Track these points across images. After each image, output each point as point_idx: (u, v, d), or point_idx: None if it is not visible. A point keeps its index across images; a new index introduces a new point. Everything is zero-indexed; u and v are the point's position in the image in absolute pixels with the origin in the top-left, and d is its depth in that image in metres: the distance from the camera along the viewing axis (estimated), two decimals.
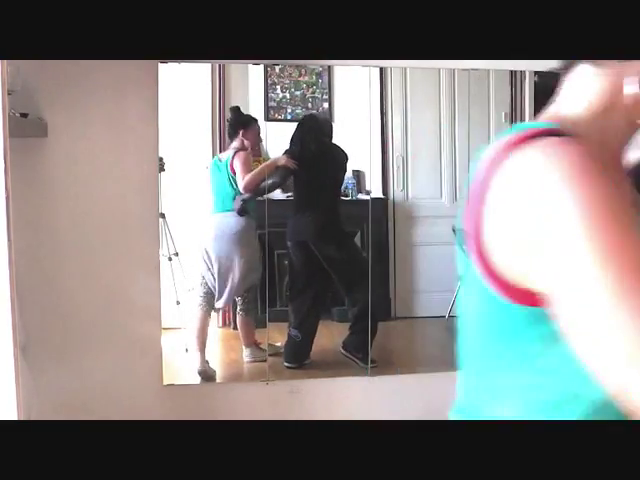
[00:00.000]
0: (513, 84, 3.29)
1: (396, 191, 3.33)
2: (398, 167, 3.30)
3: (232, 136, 3.04)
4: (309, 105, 3.17)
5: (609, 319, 0.69)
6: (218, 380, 3.05)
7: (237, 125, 3.04)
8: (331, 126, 3.17)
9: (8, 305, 1.48)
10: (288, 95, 3.18)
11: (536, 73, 3.03)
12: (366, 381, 2.97)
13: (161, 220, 2.82)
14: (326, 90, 3.28)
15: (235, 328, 3.16)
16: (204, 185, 3.10)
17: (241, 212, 3.04)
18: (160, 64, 2.68)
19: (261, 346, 3.07)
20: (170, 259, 2.95)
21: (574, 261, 0.71)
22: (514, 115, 3.33)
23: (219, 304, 3.10)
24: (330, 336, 3.28)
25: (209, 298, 3.09)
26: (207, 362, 3.03)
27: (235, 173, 3.04)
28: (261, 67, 3.06)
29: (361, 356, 3.08)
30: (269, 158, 3.12)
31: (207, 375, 3.01)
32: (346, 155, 3.14)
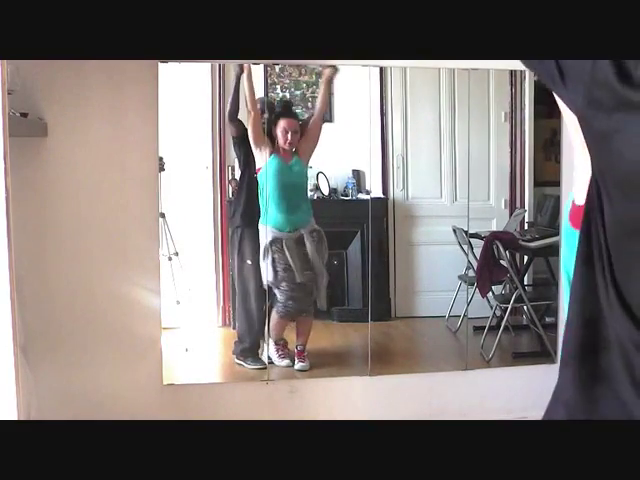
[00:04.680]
0: (513, 84, 3.29)
1: (396, 191, 3.33)
2: (398, 167, 3.30)
3: None
4: (309, 105, 3.17)
5: None
6: (218, 380, 3.05)
7: None
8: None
9: (8, 305, 1.48)
10: (288, 95, 3.18)
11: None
12: (366, 381, 2.97)
13: (161, 220, 2.82)
14: None
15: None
16: (204, 185, 3.10)
17: None
18: (160, 64, 2.68)
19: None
20: (170, 259, 2.95)
21: None
22: (514, 115, 3.33)
23: None
24: (330, 336, 3.28)
25: None
26: None
27: None
28: (261, 67, 3.06)
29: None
30: None
31: None
32: None
